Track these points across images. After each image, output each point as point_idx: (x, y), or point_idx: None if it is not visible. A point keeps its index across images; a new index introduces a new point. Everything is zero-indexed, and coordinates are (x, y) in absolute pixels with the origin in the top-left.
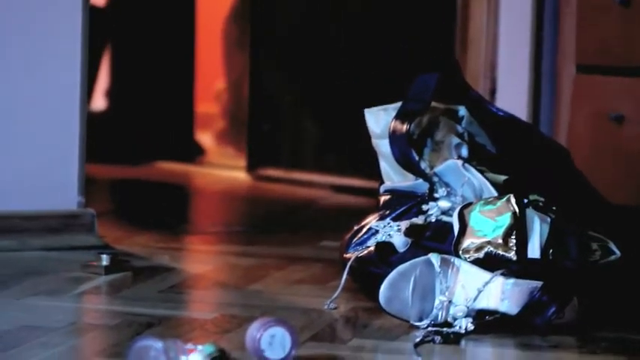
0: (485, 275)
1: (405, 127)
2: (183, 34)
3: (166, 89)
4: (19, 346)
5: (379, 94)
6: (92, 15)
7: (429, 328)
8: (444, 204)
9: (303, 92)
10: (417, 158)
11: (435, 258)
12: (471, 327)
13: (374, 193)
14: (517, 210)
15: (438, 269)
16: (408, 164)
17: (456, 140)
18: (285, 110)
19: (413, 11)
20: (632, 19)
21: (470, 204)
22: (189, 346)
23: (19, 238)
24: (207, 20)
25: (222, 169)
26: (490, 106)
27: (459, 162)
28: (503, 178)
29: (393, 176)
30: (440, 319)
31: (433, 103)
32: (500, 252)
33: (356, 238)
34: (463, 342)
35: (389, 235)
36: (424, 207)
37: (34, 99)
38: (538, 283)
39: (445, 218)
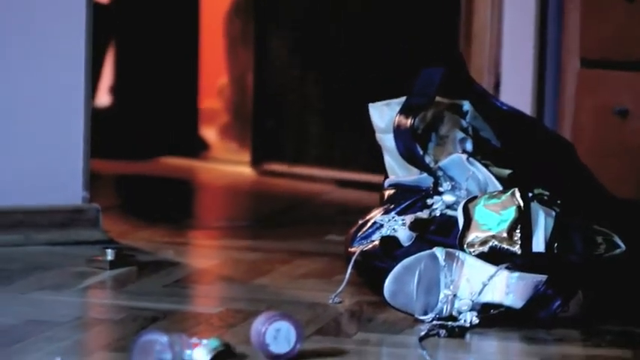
0: (490, 269)
1: (409, 121)
2: (187, 29)
3: (170, 85)
4: (25, 340)
5: (383, 89)
6: (96, 11)
7: (434, 322)
8: (448, 198)
9: (308, 86)
10: (421, 152)
11: (439, 252)
12: (475, 321)
13: (378, 188)
14: (522, 204)
15: (442, 263)
16: (412, 158)
17: (460, 134)
18: (289, 105)
19: (417, 6)
20: (637, 13)
21: (474, 198)
22: (194, 340)
23: (24, 233)
24: (211, 15)
25: (227, 164)
26: (494, 101)
27: (464, 156)
28: (507, 172)
29: (398, 170)
30: (445, 312)
31: (437, 98)
32: (505, 246)
33: (361, 232)
34: (468, 335)
35: (394, 229)
36: (429, 201)
37: (38, 95)
38: (543, 277)
39: (450, 212)
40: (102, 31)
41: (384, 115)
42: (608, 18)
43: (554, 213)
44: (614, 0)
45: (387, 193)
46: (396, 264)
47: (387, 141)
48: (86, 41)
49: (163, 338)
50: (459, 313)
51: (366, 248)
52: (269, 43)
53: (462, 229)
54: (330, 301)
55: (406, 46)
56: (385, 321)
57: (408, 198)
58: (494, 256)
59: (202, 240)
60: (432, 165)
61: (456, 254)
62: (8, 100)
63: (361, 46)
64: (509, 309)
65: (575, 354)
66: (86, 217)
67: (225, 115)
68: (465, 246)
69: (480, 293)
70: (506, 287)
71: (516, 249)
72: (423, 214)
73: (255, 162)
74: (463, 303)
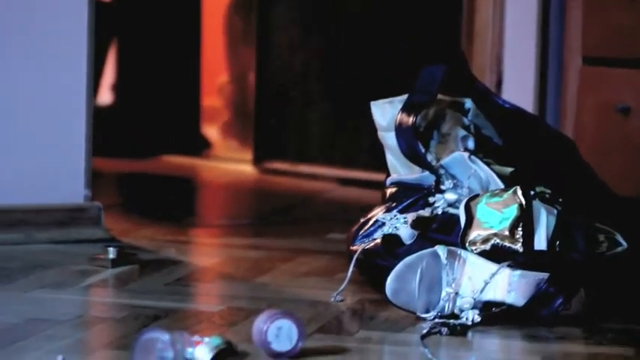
0: (492, 267)
1: (411, 119)
2: (189, 27)
3: (172, 83)
4: (26, 338)
5: (386, 87)
6: (98, 10)
7: (436, 320)
8: (450, 196)
9: (310, 84)
10: (423, 151)
11: (441, 250)
12: (477, 319)
13: (380, 186)
14: (524, 202)
15: (444, 261)
16: (414, 157)
17: (462, 132)
18: (291, 103)
19: (419, 4)
20: (639, 10)
21: (476, 196)
22: (196, 338)
23: (25, 231)
24: (213, 14)
25: (229, 162)
26: (496, 99)
27: (466, 154)
28: (509, 170)
29: (400, 169)
30: (446, 310)
31: (439, 96)
32: (507, 244)
33: (362, 231)
34: (470, 333)
35: (395, 227)
36: (430, 199)
37: (39, 94)
38: (545, 275)
39: (452, 210)
40: (103, 29)
41: (386, 113)
42: (610, 15)
43: (556, 211)
44: None
45: (389, 191)
46: (398, 262)
47: (388, 139)
48: (88, 39)
49: (165, 336)
50: (461, 311)
51: (367, 246)
52: (271, 41)
53: (464, 227)
54: (332, 299)
55: (408, 44)
56: (387, 319)
57: (410, 196)
58: (496, 254)
59: (204, 238)
60: (433, 163)
61: (458, 252)
62: (10, 98)
63: (363, 45)
64: (511, 307)
65: (577, 352)
66: (88, 215)
67: (226, 113)
68: (467, 244)
69: (481, 291)
70: (508, 285)
71: (518, 247)
72: (425, 212)
73: (257, 160)
74: (465, 301)
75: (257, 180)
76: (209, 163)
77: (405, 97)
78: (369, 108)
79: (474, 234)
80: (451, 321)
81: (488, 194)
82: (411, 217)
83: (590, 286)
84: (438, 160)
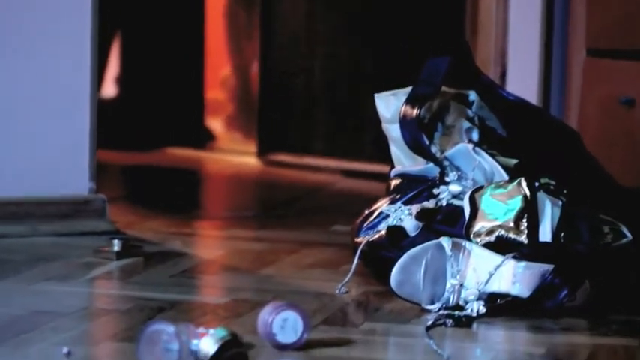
0: (497, 258)
1: (415, 111)
2: (193, 20)
3: (176, 75)
4: (31, 331)
5: (389, 79)
6: (102, 3)
7: (441, 312)
8: (454, 188)
9: (314, 76)
10: (427, 142)
11: (446, 241)
12: (482, 310)
13: (384, 178)
14: (528, 193)
15: (449, 253)
16: (418, 148)
17: (466, 124)
18: (295, 96)
19: None
20: None
21: (481, 188)
22: (201, 329)
23: (30, 224)
24: (216, 6)
25: (233, 154)
26: (501, 91)
27: (470, 146)
28: (514, 161)
29: (404, 160)
30: (451, 302)
31: (443, 88)
32: (512, 235)
33: (367, 223)
34: (475, 325)
35: (400, 219)
36: (435, 191)
37: (44, 87)
38: (549, 266)
39: (456, 202)
40: (108, 21)
41: (390, 105)
42: (614, 7)
43: (560, 202)
44: None
45: (394, 183)
46: (403, 254)
47: (393, 131)
48: (92, 32)
49: (170, 328)
50: (466, 302)
51: (372, 238)
52: (274, 32)
53: (469, 218)
54: (337, 291)
55: (412, 37)
56: (392, 311)
57: (415, 188)
58: (500, 246)
59: (209, 230)
60: (438, 155)
61: (463, 244)
62: (14, 91)
63: (366, 37)
64: (515, 298)
65: (581, 343)
66: (92, 207)
67: (230, 105)
68: (472, 236)
69: (486, 283)
70: (512, 277)
71: (523, 238)
72: (430, 204)
73: (261, 152)
74: (470, 292)
75: (261, 172)
76: (213, 155)
77: (409, 89)
78: (373, 100)
79: (479, 225)
80: (456, 312)
81: (493, 186)
82: (415, 208)
83: (595, 277)
84: (442, 151)
